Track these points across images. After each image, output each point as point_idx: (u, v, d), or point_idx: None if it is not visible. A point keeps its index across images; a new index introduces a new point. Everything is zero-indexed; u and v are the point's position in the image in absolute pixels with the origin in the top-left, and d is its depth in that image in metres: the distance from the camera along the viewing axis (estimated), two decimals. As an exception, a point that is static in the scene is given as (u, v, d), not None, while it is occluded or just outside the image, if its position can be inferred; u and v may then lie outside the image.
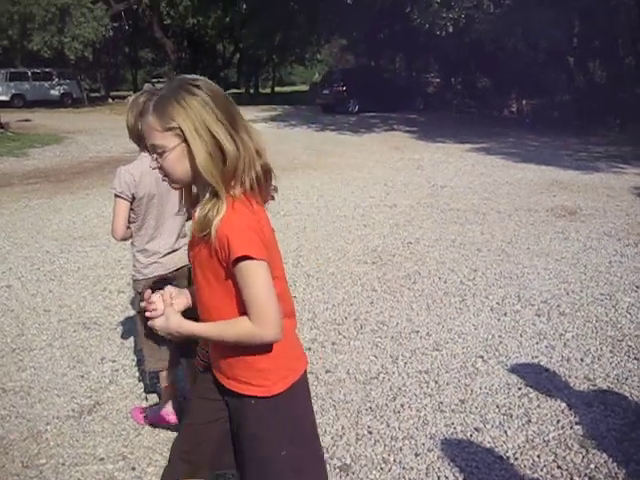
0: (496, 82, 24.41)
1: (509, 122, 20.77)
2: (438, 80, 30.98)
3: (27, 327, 4.42)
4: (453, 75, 28.68)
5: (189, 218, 2.07)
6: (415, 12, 16.75)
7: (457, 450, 2.87)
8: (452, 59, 23.89)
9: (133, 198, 2.83)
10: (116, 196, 2.83)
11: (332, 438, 2.98)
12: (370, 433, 3.02)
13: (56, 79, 33.73)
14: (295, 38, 28.68)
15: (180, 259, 2.98)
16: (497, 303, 4.69)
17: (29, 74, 32.64)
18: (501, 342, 4.00)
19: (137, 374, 3.64)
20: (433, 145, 14.74)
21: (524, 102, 22.97)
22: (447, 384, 3.47)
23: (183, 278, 3.01)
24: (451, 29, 16.38)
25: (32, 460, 2.87)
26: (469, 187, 9.28)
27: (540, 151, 13.46)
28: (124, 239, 2.96)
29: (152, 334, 2.96)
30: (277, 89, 49.57)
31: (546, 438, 2.94)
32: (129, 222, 2.91)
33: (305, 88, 44.89)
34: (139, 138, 2.74)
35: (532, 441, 2.93)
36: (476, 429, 3.02)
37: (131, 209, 2.87)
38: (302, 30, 26.76)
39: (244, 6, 32.17)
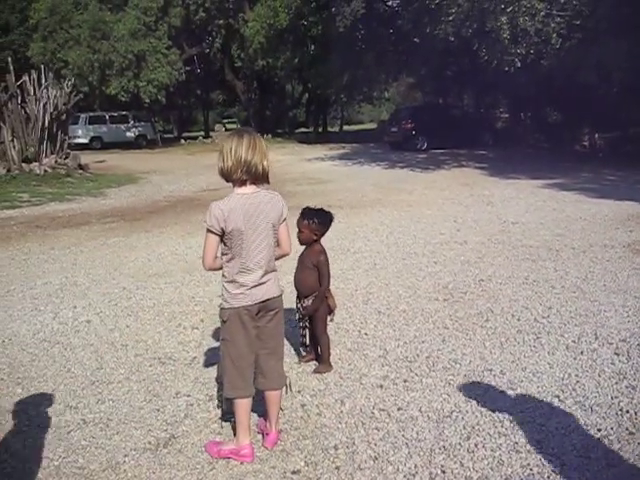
0: (567, 116, 24.00)
1: (581, 157, 20.39)
2: (507, 115, 30.72)
3: (106, 361, 4.56)
4: (522, 110, 28.36)
5: None
6: (483, 49, 16.74)
7: (534, 492, 2.80)
8: (521, 94, 23.62)
9: (223, 232, 2.97)
10: (207, 230, 3.00)
11: (405, 476, 2.95)
12: (444, 472, 2.98)
13: (132, 122, 35.06)
14: (363, 77, 28.93)
15: (266, 292, 3.11)
16: (573, 341, 4.58)
17: (107, 117, 34.08)
18: (578, 382, 3.90)
19: (211, 409, 3.70)
20: (503, 181, 14.58)
21: (597, 136, 22.51)
22: (522, 424, 3.40)
23: (269, 310, 3.11)
24: (519, 64, 16.29)
25: (112, 491, 2.95)
26: (541, 223, 9.13)
27: (615, 185, 13.15)
28: (212, 269, 3.13)
29: (237, 361, 3.06)
30: (345, 127, 50.10)
31: (628, 482, 2.85)
32: (222, 254, 3.07)
33: (373, 126, 45.26)
34: (247, 173, 2.96)
35: (613, 485, 2.84)
36: (553, 471, 2.94)
37: (223, 242, 3.02)
38: (370, 69, 26.99)
39: (312, 47, 32.91)
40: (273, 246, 3.13)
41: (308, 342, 4.30)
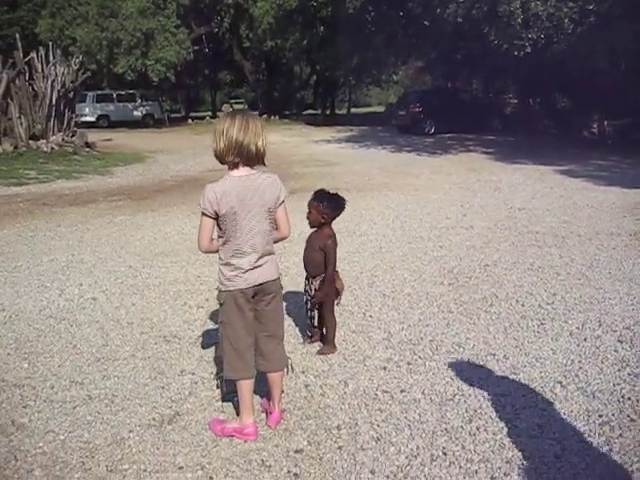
0: (576, 102, 23.85)
1: (590, 143, 20.30)
2: (516, 101, 30.55)
3: (111, 338, 4.59)
4: (531, 96, 28.18)
5: None
6: (493, 33, 16.61)
7: (535, 476, 2.82)
8: (530, 79, 23.47)
9: (216, 214, 2.95)
10: (202, 212, 2.98)
11: (406, 457, 2.98)
12: (445, 454, 3.00)
13: (139, 100, 35.02)
14: (372, 60, 28.76)
15: (261, 275, 3.09)
16: (577, 328, 4.59)
17: (114, 96, 34.06)
18: (581, 368, 3.92)
19: (215, 387, 3.73)
20: (511, 167, 14.54)
21: (606, 123, 22.38)
22: (524, 408, 3.42)
23: (265, 293, 3.11)
24: (529, 49, 16.17)
25: (116, 465, 2.98)
26: (548, 209, 9.11)
27: (623, 173, 13.10)
28: (209, 252, 3.14)
29: (235, 343, 3.07)
30: (353, 110, 49.92)
31: (630, 469, 2.86)
32: (218, 237, 3.06)
33: (381, 109, 45.09)
34: (239, 155, 2.94)
35: (613, 471, 2.85)
36: (555, 456, 2.96)
37: (218, 225, 3.01)
38: (379, 52, 26.81)
39: (321, 29, 32.70)
40: (270, 229, 3.10)
41: (317, 323, 4.31)
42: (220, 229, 3.03)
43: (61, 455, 3.08)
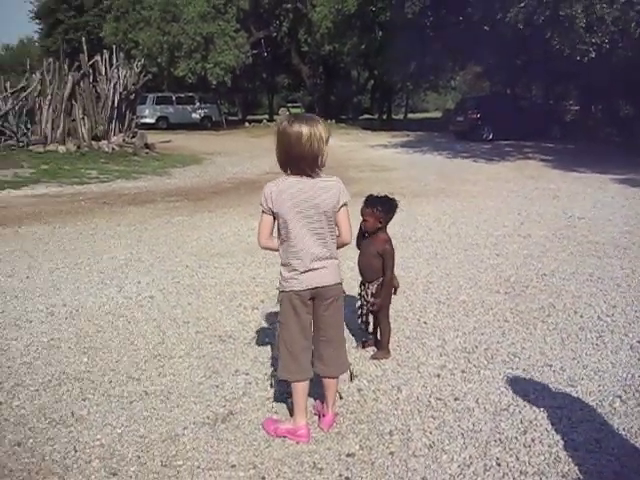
0: (641, 110, 23.25)
1: (654, 152, 19.71)
2: (577, 108, 29.92)
3: (168, 336, 4.67)
4: (594, 102, 27.58)
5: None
6: (555, 38, 16.29)
7: (592, 491, 2.76)
8: (593, 85, 22.97)
9: (272, 212, 3.01)
10: (261, 209, 3.04)
11: (459, 466, 2.95)
12: (499, 465, 2.96)
13: (197, 103, 35.60)
14: (430, 65, 28.61)
15: (317, 279, 3.08)
16: (638, 341, 4.46)
17: (173, 98, 34.71)
18: (642, 383, 3.81)
19: (269, 387, 3.75)
20: (570, 175, 14.24)
21: (671, 131, 21.72)
22: (581, 422, 3.34)
23: (323, 298, 3.11)
24: (594, 54, 15.81)
25: (170, 461, 3.04)
26: (609, 219, 8.89)
27: (689, 184, 12.69)
28: (267, 248, 3.18)
29: (290, 346, 3.09)
30: (410, 115, 49.71)
31: (691, 488, 2.78)
32: (278, 237, 3.09)
33: (438, 115, 44.77)
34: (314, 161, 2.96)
35: (675, 489, 2.77)
36: (614, 472, 2.89)
37: (278, 225, 3.05)
38: (437, 57, 26.67)
39: (380, 33, 32.63)
40: (328, 233, 3.06)
41: (371, 330, 4.30)
42: (279, 229, 3.06)
43: (118, 448, 3.15)
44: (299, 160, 2.95)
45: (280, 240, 3.09)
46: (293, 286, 3.06)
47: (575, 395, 3.66)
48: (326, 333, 3.20)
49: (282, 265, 3.11)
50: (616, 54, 16.22)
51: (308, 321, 3.13)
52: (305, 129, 2.91)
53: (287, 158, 2.98)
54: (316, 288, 3.08)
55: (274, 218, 3.03)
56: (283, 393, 3.52)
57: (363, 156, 19.09)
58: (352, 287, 4.55)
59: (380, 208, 4.05)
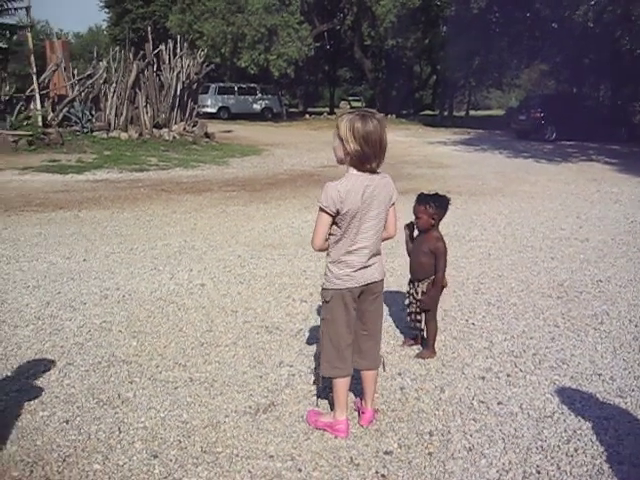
0: None
1: None
2: (646, 109, 29.01)
3: (215, 324, 4.74)
4: (664, 105, 26.71)
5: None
6: (625, 37, 15.84)
7: (635, 506, 2.69)
8: (664, 88, 22.29)
9: (337, 213, 2.93)
10: (321, 209, 2.95)
11: (497, 471, 2.91)
12: (539, 473, 2.90)
13: (259, 94, 35.87)
14: (494, 62, 28.20)
15: (370, 275, 3.09)
16: (694, 354, 4.32)
17: (235, 89, 35.07)
18: (696, 397, 3.68)
19: (312, 381, 3.77)
20: (635, 179, 13.82)
21: None
22: (628, 435, 3.25)
23: (370, 293, 3.12)
24: (665, 56, 15.32)
25: (210, 447, 3.08)
26: (672, 226, 8.60)
27: None
28: (321, 250, 3.09)
29: (336, 341, 3.09)
30: (472, 113, 49.03)
31: None
32: (330, 234, 3.04)
33: (501, 113, 44.05)
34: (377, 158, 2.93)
35: None
36: (659, 487, 2.81)
37: (334, 223, 2.99)
38: (502, 54, 26.27)
39: (444, 28, 32.30)
40: (382, 229, 3.10)
41: (422, 327, 4.24)
42: (337, 227, 3.00)
43: (160, 432, 3.21)
44: (372, 157, 2.92)
45: (335, 239, 3.04)
46: (347, 284, 3.05)
47: (624, 406, 3.56)
48: (368, 327, 3.22)
49: (333, 263, 3.07)
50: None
51: (354, 316, 3.14)
52: (378, 126, 2.89)
53: (360, 155, 2.90)
54: (368, 284, 3.09)
55: (333, 218, 2.99)
56: (326, 387, 3.53)
57: (422, 152, 18.93)
58: (403, 284, 4.52)
59: (433, 205, 4.02)
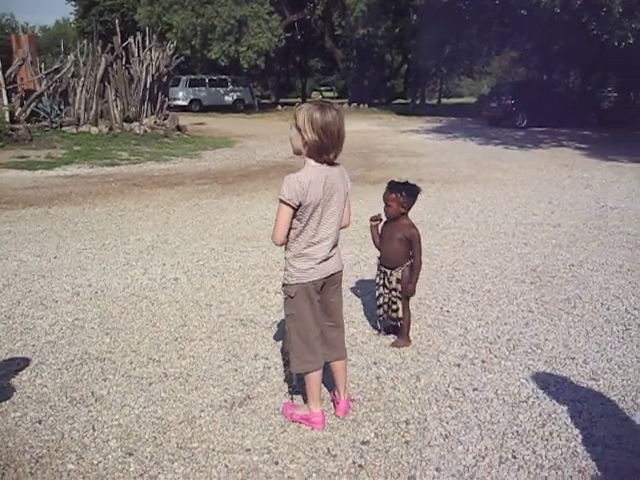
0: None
1: (693, 142, 19.27)
2: (615, 95, 29.33)
3: (190, 319, 4.70)
4: (632, 90, 27.03)
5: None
6: (592, 22, 15.96)
7: (609, 487, 2.72)
8: (632, 72, 22.48)
9: (299, 205, 2.89)
10: (283, 202, 2.89)
11: (474, 457, 2.92)
12: (515, 458, 2.92)
13: (230, 86, 35.67)
14: (464, 49, 28.26)
15: (332, 266, 3.09)
16: (665, 336, 4.38)
17: (206, 81, 34.84)
18: (667, 378, 3.73)
19: (287, 373, 3.76)
20: (605, 163, 13.97)
21: None
22: (602, 417, 3.28)
23: (331, 284, 3.12)
24: (632, 40, 15.45)
25: (186, 443, 3.06)
26: (642, 210, 8.71)
27: None
28: (283, 244, 3.04)
29: (305, 336, 3.08)
30: (444, 100, 49.19)
31: None
32: (292, 228, 2.98)
33: (472, 100, 44.23)
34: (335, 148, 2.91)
35: (695, 488, 2.71)
36: (633, 469, 2.84)
37: (294, 216, 2.94)
38: (472, 41, 26.33)
39: (414, 17, 32.32)
40: (341, 220, 3.07)
41: (401, 315, 4.23)
42: (297, 220, 2.95)
43: (135, 429, 3.18)
44: (330, 148, 2.89)
45: (295, 232, 2.99)
46: (311, 277, 3.02)
47: (597, 389, 3.60)
48: (333, 318, 3.23)
49: (294, 257, 3.02)
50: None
51: (319, 309, 3.13)
52: (337, 117, 2.87)
53: (318, 146, 2.87)
54: (329, 276, 3.09)
55: (295, 211, 2.94)
56: (301, 379, 3.52)
57: (394, 141, 18.96)
58: (372, 272, 4.51)
59: (405, 194, 4.02)
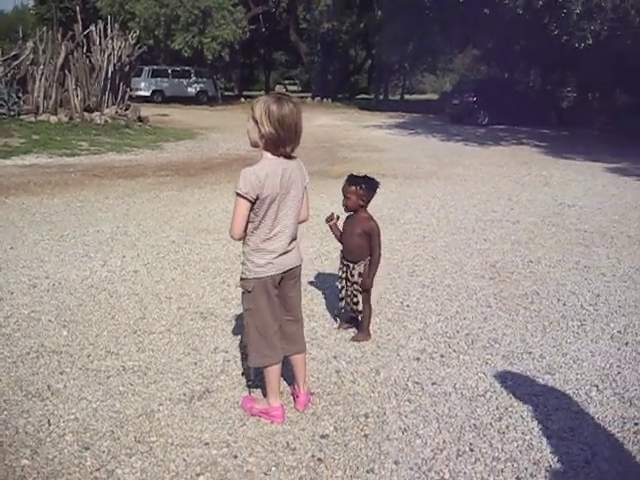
0: (636, 99, 23.21)
1: (649, 142, 19.71)
2: (574, 95, 29.85)
3: (149, 311, 4.65)
4: (590, 90, 27.54)
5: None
6: (553, 23, 16.21)
7: None
8: (591, 73, 22.90)
9: (256, 199, 2.87)
10: (240, 196, 2.87)
11: (432, 451, 2.95)
12: (472, 450, 2.96)
13: (194, 77, 35.34)
14: (428, 47, 28.47)
15: (290, 260, 3.09)
16: (619, 331, 4.48)
17: (169, 72, 34.44)
18: (619, 373, 3.82)
19: (247, 366, 3.74)
20: (563, 162, 14.23)
21: (666, 122, 21.71)
22: (557, 410, 3.35)
23: (290, 278, 3.12)
24: (591, 41, 15.74)
25: (144, 437, 3.03)
26: (598, 208, 8.89)
27: (680, 175, 12.71)
28: (241, 238, 3.01)
29: (263, 330, 3.07)
30: (407, 97, 49.45)
31: (661, 478, 2.79)
32: (249, 222, 2.96)
33: (435, 97, 44.57)
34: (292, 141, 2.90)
35: (645, 480, 2.78)
36: (585, 461, 2.90)
37: (252, 209, 2.91)
38: (436, 39, 26.52)
39: (379, 13, 32.39)
40: (299, 213, 3.07)
41: (361, 308, 4.24)
42: (254, 214, 2.92)
43: (92, 423, 3.13)
44: (287, 141, 2.89)
45: (252, 226, 2.97)
46: (269, 271, 3.00)
47: (552, 383, 3.67)
48: (292, 313, 3.23)
49: (252, 251, 3.00)
50: (615, 42, 16.14)
51: (277, 303, 3.12)
52: (294, 110, 2.87)
53: (275, 138, 2.86)
54: (287, 270, 3.08)
55: (252, 204, 2.91)
56: (260, 373, 3.51)
57: (357, 136, 19.01)
58: (333, 267, 4.53)
59: (364, 187, 4.04)
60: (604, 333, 4.44)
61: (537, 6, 16.12)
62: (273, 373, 3.16)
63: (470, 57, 40.48)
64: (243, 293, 3.13)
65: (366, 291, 4.18)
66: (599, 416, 3.30)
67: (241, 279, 3.11)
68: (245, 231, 2.99)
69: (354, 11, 36.10)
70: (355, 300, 4.20)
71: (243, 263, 3.08)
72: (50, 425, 3.10)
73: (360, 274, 4.13)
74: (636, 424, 3.23)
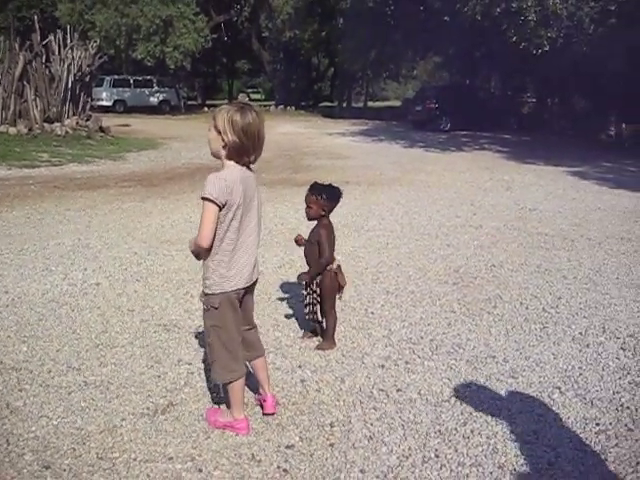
0: (594, 104, 23.68)
1: (606, 146, 20.13)
2: (534, 100, 30.33)
3: (111, 325, 4.58)
4: (549, 95, 28.00)
5: None
6: (511, 30, 16.49)
7: (527, 482, 2.79)
8: (549, 79, 23.32)
9: (224, 205, 2.80)
10: (209, 201, 2.79)
11: (398, 458, 2.95)
12: (437, 457, 2.97)
13: (156, 87, 35.11)
14: (390, 54, 28.68)
15: (256, 273, 3.10)
16: (580, 333, 4.54)
17: (131, 81, 34.17)
18: (581, 374, 3.87)
19: (211, 378, 3.70)
20: (524, 166, 14.44)
21: (624, 126, 22.17)
22: (520, 413, 3.38)
23: (252, 290, 3.17)
24: (547, 48, 16.03)
25: (106, 453, 2.97)
26: (559, 212, 9.03)
27: (637, 177, 12.98)
28: (210, 247, 2.89)
29: (230, 346, 3.03)
30: (370, 104, 49.73)
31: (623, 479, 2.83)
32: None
33: (398, 104, 44.90)
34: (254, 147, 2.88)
35: (607, 480, 2.82)
36: (549, 463, 2.93)
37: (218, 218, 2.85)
38: (397, 46, 26.74)
39: (341, 21, 32.57)
40: (260, 224, 3.06)
41: (321, 318, 4.25)
42: (220, 222, 2.85)
43: (53, 440, 3.07)
44: (250, 150, 2.87)
45: (218, 237, 2.88)
46: (236, 284, 2.96)
47: (515, 386, 3.70)
48: (249, 321, 3.24)
49: (218, 264, 2.92)
50: (571, 49, 16.47)
51: (241, 316, 3.10)
52: (257, 118, 2.86)
53: (238, 147, 2.83)
54: (252, 283, 3.09)
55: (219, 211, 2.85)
56: (224, 385, 3.47)
57: (320, 144, 19.05)
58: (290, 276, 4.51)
59: (324, 196, 4.03)
60: (566, 335, 4.50)
61: (495, 13, 16.38)
62: (239, 386, 3.11)
63: (432, 64, 40.94)
64: (206, 310, 3.03)
65: (332, 300, 4.17)
66: (562, 418, 3.33)
67: (205, 294, 3.02)
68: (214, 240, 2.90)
69: (316, 19, 36.24)
70: (314, 309, 4.20)
71: (207, 278, 2.99)
72: (9, 445, 3.02)
73: (318, 284, 4.13)
74: (597, 424, 3.27)
